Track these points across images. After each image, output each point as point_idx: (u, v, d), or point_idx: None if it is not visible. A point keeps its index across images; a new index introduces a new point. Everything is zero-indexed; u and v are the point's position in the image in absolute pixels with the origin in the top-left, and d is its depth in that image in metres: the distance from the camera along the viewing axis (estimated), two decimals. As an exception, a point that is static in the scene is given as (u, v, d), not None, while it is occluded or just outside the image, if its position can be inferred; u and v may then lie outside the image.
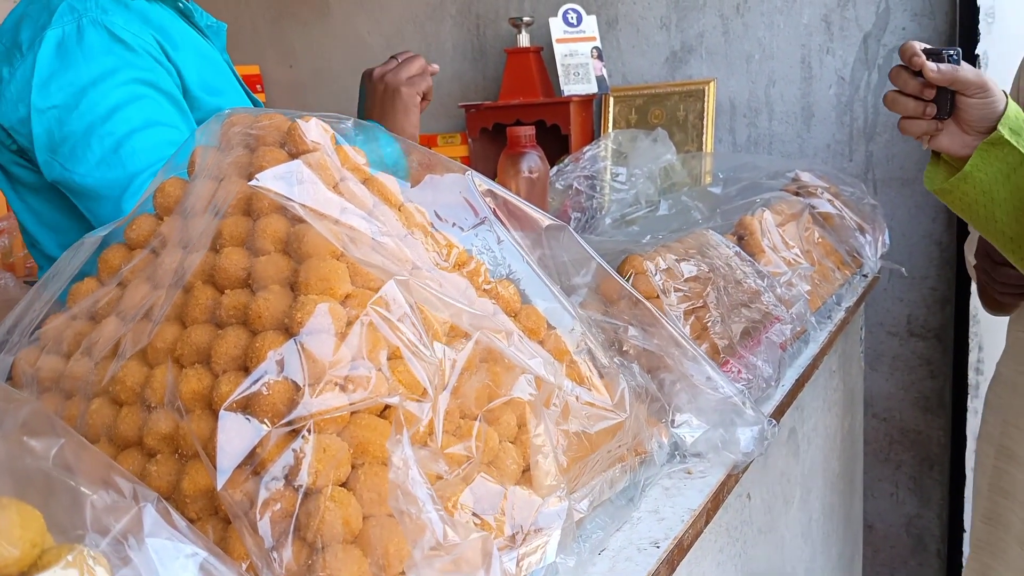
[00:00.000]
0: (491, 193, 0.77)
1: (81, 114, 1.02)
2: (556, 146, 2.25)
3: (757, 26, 2.22)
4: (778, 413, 1.06)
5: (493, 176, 1.51)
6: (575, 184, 1.97)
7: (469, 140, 2.40)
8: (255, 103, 1.35)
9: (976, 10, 1.94)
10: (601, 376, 0.74)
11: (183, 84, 1.12)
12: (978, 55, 1.95)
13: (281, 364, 0.51)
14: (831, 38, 2.15)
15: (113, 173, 1.01)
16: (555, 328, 0.73)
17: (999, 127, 0.99)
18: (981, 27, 1.94)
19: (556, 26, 2.27)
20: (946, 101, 1.01)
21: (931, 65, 0.98)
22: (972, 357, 2.02)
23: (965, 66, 1.00)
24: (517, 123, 2.20)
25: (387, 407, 0.53)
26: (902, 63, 1.02)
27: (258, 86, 2.75)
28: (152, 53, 1.07)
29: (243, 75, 1.39)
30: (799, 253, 1.37)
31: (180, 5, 1.20)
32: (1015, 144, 0.99)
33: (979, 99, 1.00)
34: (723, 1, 2.24)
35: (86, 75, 1.02)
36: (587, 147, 2.00)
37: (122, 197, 1.01)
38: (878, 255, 1.73)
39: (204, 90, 1.15)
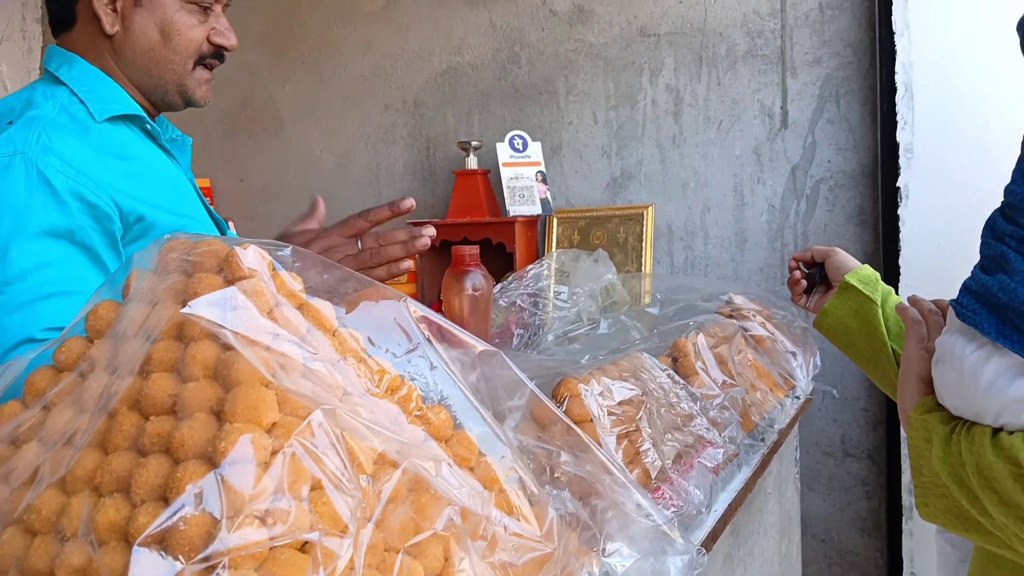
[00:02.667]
0: (426, 319, 0.78)
1: None
2: (501, 263, 2.30)
3: (692, 156, 2.33)
4: (711, 539, 1.06)
5: (439, 291, 1.53)
6: (519, 301, 2.00)
7: (417, 257, 2.44)
8: (218, 222, 1.34)
9: (896, 146, 2.06)
10: (531, 504, 0.74)
11: (137, 211, 1.10)
12: (899, 187, 2.07)
13: (200, 497, 0.51)
14: (761, 169, 2.27)
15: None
16: (485, 455, 0.74)
17: (846, 277, 1.39)
18: (901, 161, 2.06)
19: (503, 151, 2.36)
20: (817, 274, 1.50)
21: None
22: (905, 478, 2.05)
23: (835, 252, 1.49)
24: (464, 241, 2.25)
25: (308, 541, 0.53)
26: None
27: (207, 200, 2.78)
28: (84, 197, 1.05)
29: (195, 189, 1.39)
30: (732, 375, 1.40)
31: (148, 127, 1.21)
32: (860, 288, 1.37)
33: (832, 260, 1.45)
34: (660, 132, 2.36)
35: (2, 224, 1.01)
36: (531, 266, 2.04)
37: None
38: (810, 377, 1.77)
39: (168, 213, 1.15)
